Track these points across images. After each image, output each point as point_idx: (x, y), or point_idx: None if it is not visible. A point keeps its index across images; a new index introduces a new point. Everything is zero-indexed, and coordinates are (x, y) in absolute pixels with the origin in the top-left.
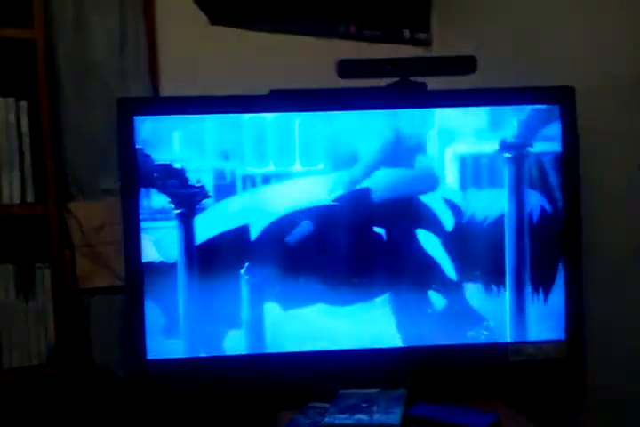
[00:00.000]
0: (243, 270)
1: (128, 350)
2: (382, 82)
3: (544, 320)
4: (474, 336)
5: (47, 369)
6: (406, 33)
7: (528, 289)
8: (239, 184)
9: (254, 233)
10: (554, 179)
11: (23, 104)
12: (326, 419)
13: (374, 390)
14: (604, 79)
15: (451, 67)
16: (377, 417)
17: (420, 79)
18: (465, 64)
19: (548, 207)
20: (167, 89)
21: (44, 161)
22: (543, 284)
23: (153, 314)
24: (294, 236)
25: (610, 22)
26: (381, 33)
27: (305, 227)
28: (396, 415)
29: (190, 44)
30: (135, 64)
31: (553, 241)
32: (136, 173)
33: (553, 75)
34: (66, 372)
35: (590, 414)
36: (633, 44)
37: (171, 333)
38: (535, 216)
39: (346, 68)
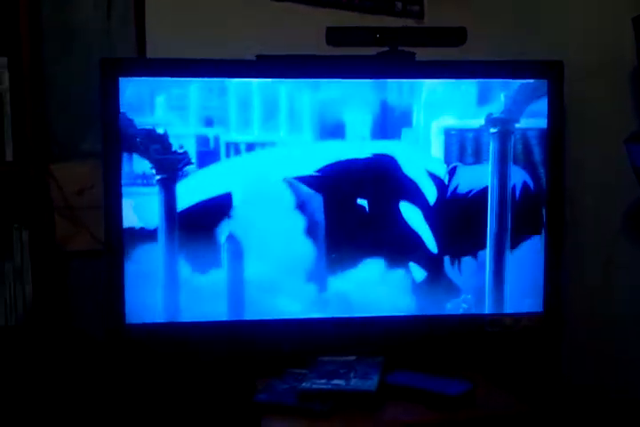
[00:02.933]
0: (224, 238)
1: (107, 313)
2: (372, 51)
3: (522, 293)
4: (452, 308)
5: (24, 330)
6: (399, 4)
7: (508, 263)
8: (223, 151)
9: (237, 201)
10: (538, 155)
11: (3, 60)
12: (304, 384)
13: (352, 358)
14: (593, 56)
15: (440, 38)
16: (354, 383)
17: (410, 50)
18: (455, 35)
19: (531, 183)
20: (153, 51)
21: (25, 120)
22: (523, 258)
23: (132, 279)
24: (276, 205)
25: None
26: (373, 3)
27: (288, 197)
28: (372, 382)
29: (179, 7)
30: (122, 25)
31: (535, 216)
32: (118, 137)
33: (544, 50)
34: (42, 334)
35: (566, 386)
36: (624, 24)
37: (150, 298)
38: (518, 192)
39: (335, 35)
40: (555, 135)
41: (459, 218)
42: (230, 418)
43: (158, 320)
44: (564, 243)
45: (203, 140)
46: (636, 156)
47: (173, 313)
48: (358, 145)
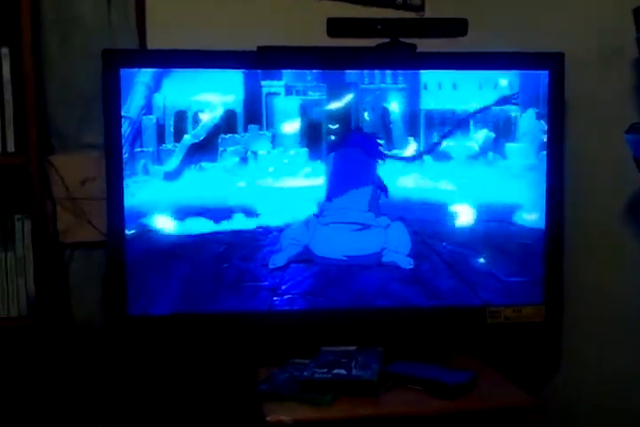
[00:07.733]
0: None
1: (108, 305)
2: (373, 43)
3: (523, 284)
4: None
5: (25, 321)
6: None
7: (509, 252)
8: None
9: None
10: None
11: (5, 51)
12: (305, 373)
13: (353, 348)
14: (593, 48)
15: (441, 29)
16: (355, 372)
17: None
18: (456, 27)
19: None
20: (154, 43)
21: (26, 110)
22: (523, 247)
23: (134, 270)
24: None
25: None
26: None
27: None
28: (373, 371)
29: None
30: (122, 16)
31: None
32: (119, 129)
33: (544, 42)
34: (44, 324)
35: (565, 377)
36: (624, 15)
37: (152, 289)
38: None
39: (335, 26)
40: (556, 126)
41: None
42: (232, 408)
43: (161, 312)
44: (563, 235)
45: None
46: (635, 146)
47: (175, 304)
48: None
